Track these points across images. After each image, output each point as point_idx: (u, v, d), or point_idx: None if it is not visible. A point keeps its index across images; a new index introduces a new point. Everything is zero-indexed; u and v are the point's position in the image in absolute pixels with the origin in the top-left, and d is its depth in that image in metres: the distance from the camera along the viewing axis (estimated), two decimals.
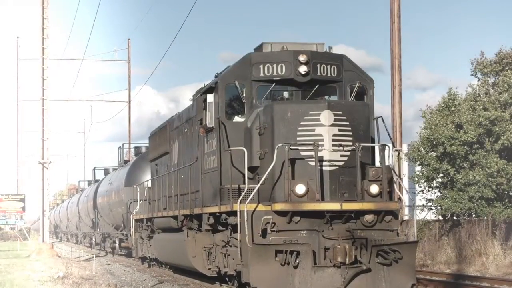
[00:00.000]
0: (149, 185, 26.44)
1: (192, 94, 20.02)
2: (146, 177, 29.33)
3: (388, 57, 26.61)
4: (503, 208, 29.89)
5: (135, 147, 39.52)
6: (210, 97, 17.35)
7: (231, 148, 16.53)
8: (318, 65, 17.06)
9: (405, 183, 32.16)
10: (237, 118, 17.24)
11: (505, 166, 29.74)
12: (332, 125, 15.67)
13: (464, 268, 25.25)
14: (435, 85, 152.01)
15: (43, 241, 37.08)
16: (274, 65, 17.00)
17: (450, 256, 27.72)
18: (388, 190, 15.82)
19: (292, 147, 15.46)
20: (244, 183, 15.87)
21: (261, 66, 17.04)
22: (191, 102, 20.14)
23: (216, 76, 17.88)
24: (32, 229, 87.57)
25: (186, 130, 20.62)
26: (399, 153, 23.65)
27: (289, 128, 15.84)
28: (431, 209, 32.40)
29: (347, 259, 14.96)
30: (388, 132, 17.57)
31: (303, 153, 15.59)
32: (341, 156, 15.66)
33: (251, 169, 16.35)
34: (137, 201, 27.87)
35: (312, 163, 15.38)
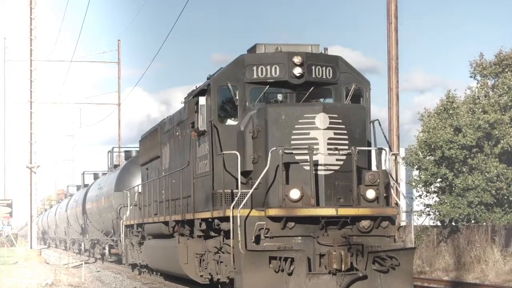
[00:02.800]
0: (140, 190, 26.25)
1: (184, 97, 19.85)
2: (137, 182, 29.08)
3: (385, 58, 26.32)
4: (502, 213, 29.60)
5: (125, 151, 39.33)
6: (202, 100, 17.19)
7: (224, 152, 16.36)
8: (313, 67, 16.90)
9: (403, 188, 31.90)
10: (230, 121, 17.10)
11: (505, 170, 29.43)
12: (328, 128, 15.46)
13: (463, 275, 25.13)
14: (433, 87, 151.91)
15: (31, 247, 36.87)
16: (268, 67, 16.84)
17: (449, 262, 27.58)
18: (384, 195, 15.60)
19: (286, 151, 15.24)
20: (237, 188, 15.65)
21: (255, 68, 16.86)
22: (182, 105, 19.92)
23: (208, 78, 17.70)
24: (20, 235, 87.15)
25: (177, 133, 20.41)
26: (396, 157, 23.26)
27: (283, 132, 15.62)
28: (429, 214, 32.11)
29: (342, 266, 14.73)
30: (385, 136, 17.38)
31: (297, 157, 15.36)
32: (337, 160, 15.44)
33: (244, 173, 16.14)
34: (127, 206, 27.73)
35: (307, 168, 15.13)
